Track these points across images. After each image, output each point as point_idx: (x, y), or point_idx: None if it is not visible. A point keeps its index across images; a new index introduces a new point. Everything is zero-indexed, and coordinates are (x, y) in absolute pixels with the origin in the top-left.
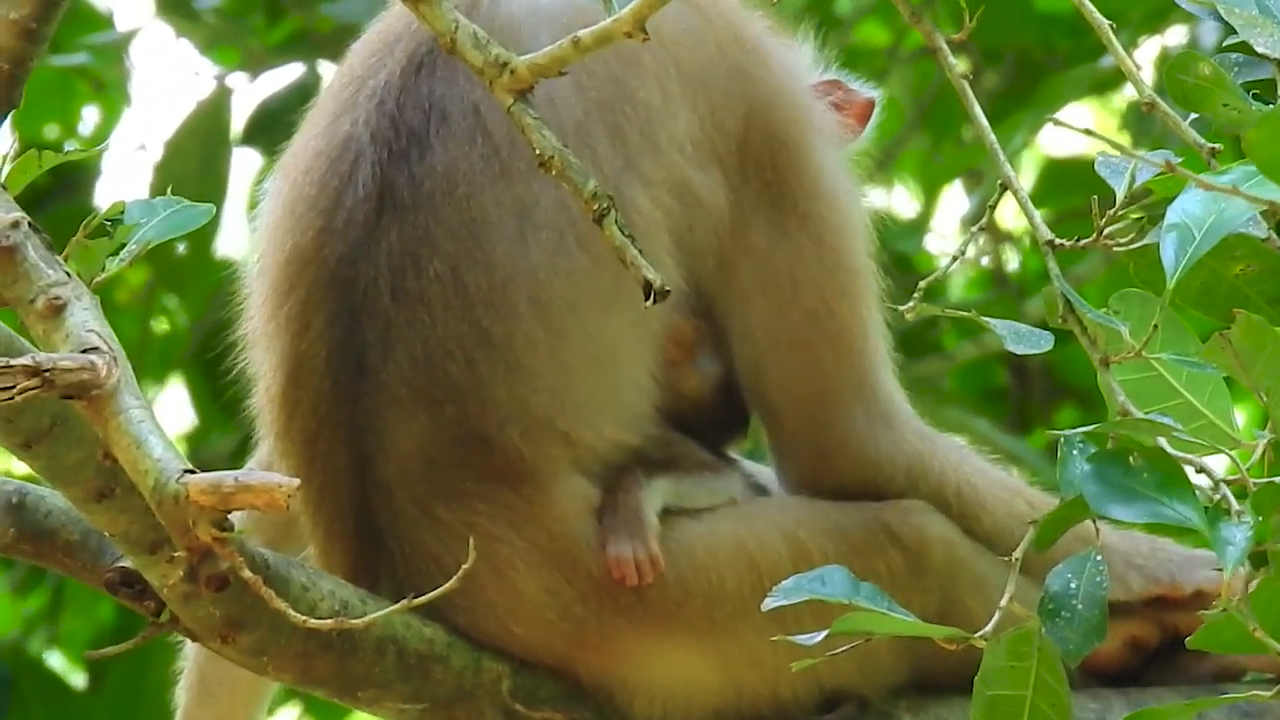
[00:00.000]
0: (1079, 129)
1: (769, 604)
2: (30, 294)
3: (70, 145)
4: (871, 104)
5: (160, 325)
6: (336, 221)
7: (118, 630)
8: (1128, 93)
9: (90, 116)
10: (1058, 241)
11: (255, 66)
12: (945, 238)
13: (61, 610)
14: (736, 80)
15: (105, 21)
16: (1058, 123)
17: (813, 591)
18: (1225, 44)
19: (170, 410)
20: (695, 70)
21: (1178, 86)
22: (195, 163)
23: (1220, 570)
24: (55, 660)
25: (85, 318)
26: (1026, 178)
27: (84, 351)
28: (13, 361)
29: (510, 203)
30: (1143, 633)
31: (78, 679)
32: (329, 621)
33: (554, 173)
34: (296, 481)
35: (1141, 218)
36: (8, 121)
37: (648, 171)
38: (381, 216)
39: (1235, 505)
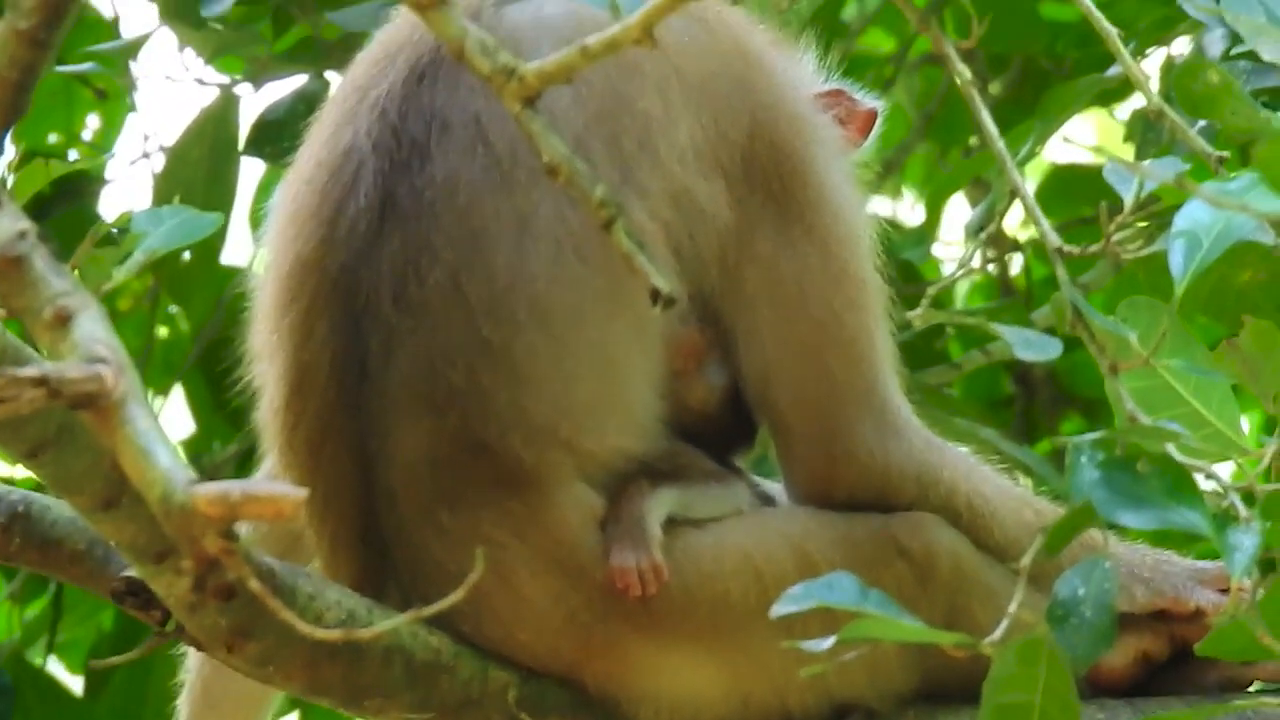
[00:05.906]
0: (1088, 146)
1: (777, 610)
2: (37, 304)
3: (73, 153)
4: (874, 114)
5: (162, 332)
6: (338, 231)
7: (119, 638)
8: (1134, 101)
9: (92, 123)
10: (1066, 248)
11: (261, 75)
12: (952, 245)
13: (62, 618)
14: (739, 91)
15: (110, 29)
16: (1069, 140)
17: (821, 598)
18: (1232, 52)
19: (171, 418)
20: (698, 80)
21: (1186, 93)
22: (202, 171)
23: (1223, 591)
24: (56, 668)
25: (93, 328)
26: (1031, 186)
27: (91, 362)
28: (19, 372)
29: (510, 212)
30: (1154, 647)
31: (78, 686)
32: (336, 632)
33: (561, 179)
34: (304, 491)
35: (1149, 225)
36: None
37: (645, 183)
38: (383, 225)
39: (1244, 512)
